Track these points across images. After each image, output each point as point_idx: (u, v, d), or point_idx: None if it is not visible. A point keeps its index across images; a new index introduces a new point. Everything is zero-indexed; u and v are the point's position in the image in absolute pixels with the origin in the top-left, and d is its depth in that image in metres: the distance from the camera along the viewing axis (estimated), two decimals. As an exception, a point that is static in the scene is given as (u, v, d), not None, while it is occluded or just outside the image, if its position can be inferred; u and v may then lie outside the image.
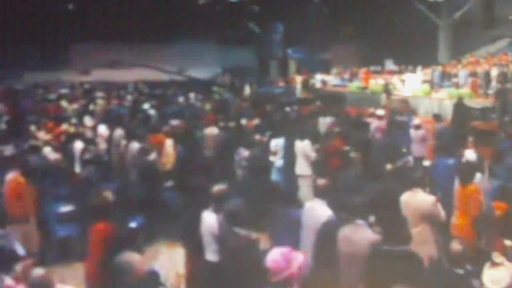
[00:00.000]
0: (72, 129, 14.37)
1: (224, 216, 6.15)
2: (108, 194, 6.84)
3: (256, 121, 15.28)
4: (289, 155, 11.68)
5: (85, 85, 32.38)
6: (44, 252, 8.92)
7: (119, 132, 13.31)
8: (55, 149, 12.33)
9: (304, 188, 11.18)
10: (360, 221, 5.78)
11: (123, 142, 12.61)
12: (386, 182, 8.02)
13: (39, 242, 8.93)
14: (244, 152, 11.47)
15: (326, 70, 37.25)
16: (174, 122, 15.05)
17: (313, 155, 11.35)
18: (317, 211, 6.58)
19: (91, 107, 21.66)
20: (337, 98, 26.46)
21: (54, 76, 37.62)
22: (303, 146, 11.37)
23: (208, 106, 20.26)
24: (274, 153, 11.71)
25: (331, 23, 40.82)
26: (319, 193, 6.83)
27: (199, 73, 42.31)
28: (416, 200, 6.81)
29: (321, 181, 6.89)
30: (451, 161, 9.41)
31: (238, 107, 21.57)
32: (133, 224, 9.81)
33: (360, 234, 5.68)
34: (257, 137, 11.85)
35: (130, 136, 12.41)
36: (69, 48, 39.86)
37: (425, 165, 11.51)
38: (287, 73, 41.56)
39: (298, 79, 34.19)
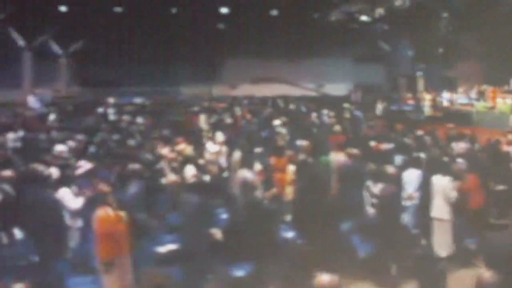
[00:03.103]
0: (188, 150, 11.10)
1: None
2: (164, 279, 4.35)
3: (386, 145, 12.11)
4: (425, 193, 8.52)
5: (229, 100, 30.36)
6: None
7: (237, 154, 10.38)
8: (173, 170, 9.84)
9: (440, 235, 8.08)
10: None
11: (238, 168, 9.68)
12: None
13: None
14: (374, 187, 8.41)
15: (452, 88, 33.35)
16: (301, 143, 11.91)
17: (454, 195, 8.15)
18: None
19: (229, 121, 19.19)
20: (464, 117, 23.20)
21: (207, 90, 36.75)
22: (443, 184, 8.21)
23: (337, 126, 16.68)
24: (410, 197, 8.53)
25: (457, 40, 36.48)
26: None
27: (334, 89, 39.71)
28: None
29: (487, 275, 3.85)
30: None
31: (368, 127, 18.06)
32: (239, 272, 7.20)
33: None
34: (390, 169, 8.52)
35: (244, 161, 9.49)
36: (220, 63, 38.69)
37: None
38: (415, 90, 37.80)
39: (426, 96, 30.50)
